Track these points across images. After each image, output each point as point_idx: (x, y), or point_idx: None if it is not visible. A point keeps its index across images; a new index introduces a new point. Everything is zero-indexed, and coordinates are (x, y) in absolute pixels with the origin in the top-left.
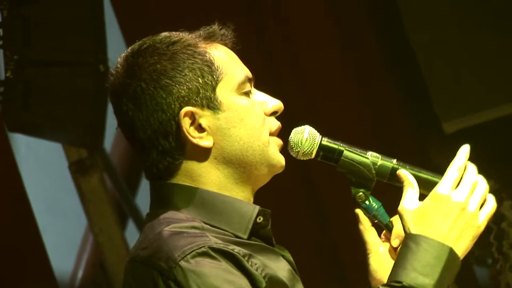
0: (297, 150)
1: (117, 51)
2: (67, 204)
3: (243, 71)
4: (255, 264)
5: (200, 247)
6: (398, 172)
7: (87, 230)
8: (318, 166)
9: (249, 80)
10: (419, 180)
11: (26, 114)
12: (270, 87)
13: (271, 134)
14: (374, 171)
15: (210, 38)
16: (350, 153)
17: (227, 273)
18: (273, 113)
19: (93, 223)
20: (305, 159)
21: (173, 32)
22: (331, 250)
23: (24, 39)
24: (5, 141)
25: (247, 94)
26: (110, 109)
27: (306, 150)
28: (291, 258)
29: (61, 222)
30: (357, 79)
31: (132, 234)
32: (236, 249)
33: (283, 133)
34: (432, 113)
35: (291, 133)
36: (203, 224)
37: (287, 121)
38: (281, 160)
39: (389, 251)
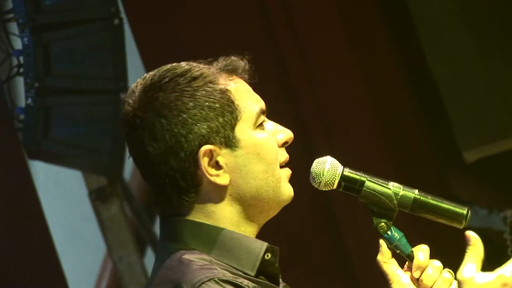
0: (318, 180)
1: (137, 79)
2: (86, 231)
3: (259, 105)
4: None
5: (209, 279)
6: (467, 233)
7: (106, 257)
8: (338, 195)
9: (263, 112)
10: (441, 210)
11: (46, 141)
12: (285, 107)
13: (280, 166)
14: (396, 202)
15: (229, 72)
16: (372, 184)
17: None
18: (284, 144)
19: (112, 251)
20: (327, 189)
21: (193, 64)
22: (350, 280)
23: (45, 67)
24: (25, 169)
25: (262, 126)
26: None
27: (328, 181)
28: None
29: (80, 249)
30: (377, 107)
31: (150, 262)
32: (245, 282)
33: (299, 158)
34: (452, 143)
35: (313, 164)
36: (212, 258)
37: (304, 143)
38: (291, 193)
39: (412, 280)
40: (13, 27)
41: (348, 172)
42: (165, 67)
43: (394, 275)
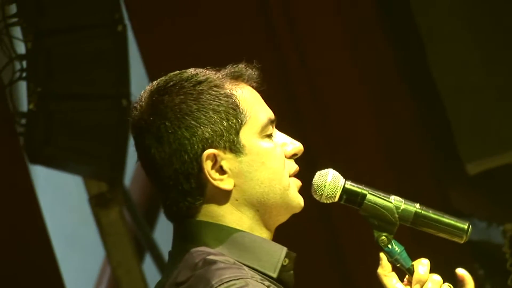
0: (320, 193)
1: (139, 85)
2: (85, 237)
3: (266, 114)
4: None
5: (238, 278)
6: (458, 272)
7: (105, 263)
8: (338, 208)
9: (272, 122)
10: (442, 225)
11: (48, 146)
12: (291, 125)
13: (290, 176)
14: (397, 215)
15: (236, 78)
16: (374, 197)
17: None
18: (293, 156)
19: (111, 257)
20: (328, 202)
21: (200, 70)
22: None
23: (47, 72)
24: (25, 173)
25: (269, 136)
26: (131, 143)
27: (329, 194)
28: None
29: (79, 254)
30: (379, 117)
31: (149, 268)
32: (272, 286)
33: (304, 171)
34: (454, 155)
35: (315, 176)
36: (234, 260)
37: (307, 156)
38: (300, 202)
39: None
40: (17, 31)
41: (350, 185)
42: (172, 73)
43: None
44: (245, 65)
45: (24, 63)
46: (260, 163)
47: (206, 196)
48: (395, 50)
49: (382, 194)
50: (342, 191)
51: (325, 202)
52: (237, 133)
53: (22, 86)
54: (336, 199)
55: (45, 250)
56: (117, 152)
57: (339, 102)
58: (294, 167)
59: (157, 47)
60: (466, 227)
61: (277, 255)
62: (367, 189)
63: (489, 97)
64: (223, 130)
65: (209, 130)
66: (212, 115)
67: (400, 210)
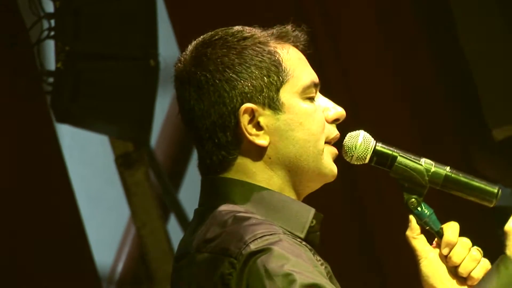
0: (351, 154)
1: (168, 47)
2: (109, 196)
3: (310, 76)
4: (319, 260)
5: (271, 233)
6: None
7: (129, 223)
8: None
9: (315, 85)
10: (472, 188)
11: (75, 105)
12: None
13: (327, 142)
14: (427, 178)
15: (282, 38)
16: (404, 159)
17: (296, 256)
18: (334, 121)
19: (136, 217)
20: (358, 163)
21: (247, 27)
22: (373, 260)
23: (75, 32)
24: (51, 132)
25: (311, 99)
26: (157, 104)
27: (360, 155)
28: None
29: (103, 214)
30: (404, 82)
31: (173, 229)
32: (303, 243)
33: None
34: (480, 120)
35: (346, 138)
36: (262, 218)
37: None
38: (333, 169)
39: (440, 256)
40: None
41: (380, 146)
42: (220, 29)
43: (422, 251)
44: (292, 26)
45: (53, 21)
46: (298, 123)
47: (240, 151)
48: (426, 24)
49: (412, 157)
50: (373, 152)
51: (355, 163)
52: (278, 90)
53: (50, 45)
54: (367, 161)
55: (70, 209)
56: (143, 112)
57: (367, 72)
58: (334, 132)
59: (186, 8)
60: (496, 191)
61: (306, 216)
62: (398, 151)
63: None
64: (263, 86)
65: (249, 84)
66: (254, 70)
67: (430, 173)
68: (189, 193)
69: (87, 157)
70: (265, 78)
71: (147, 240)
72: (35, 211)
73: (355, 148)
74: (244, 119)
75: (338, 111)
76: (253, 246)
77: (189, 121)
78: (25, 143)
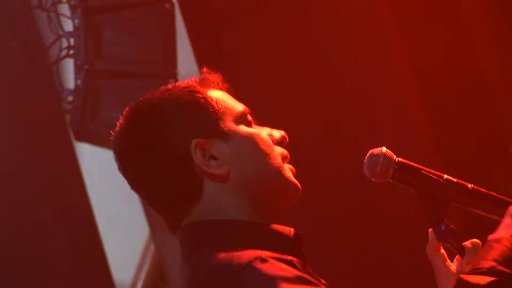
0: (373, 171)
1: (187, 65)
2: (129, 214)
3: (242, 106)
4: (309, 273)
5: (256, 258)
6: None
7: (149, 241)
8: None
9: (249, 113)
10: (495, 203)
11: (94, 124)
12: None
13: (282, 160)
14: (449, 194)
15: (205, 84)
16: (426, 175)
17: (287, 272)
18: (279, 142)
19: (155, 234)
20: (380, 180)
21: (169, 87)
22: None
23: (95, 49)
24: (71, 150)
25: (249, 124)
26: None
27: (382, 171)
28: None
29: (123, 232)
30: (424, 94)
31: None
32: (289, 257)
33: (350, 153)
34: (498, 135)
35: (368, 154)
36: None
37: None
38: (296, 184)
39: (460, 274)
40: (64, 9)
41: (402, 163)
42: (145, 95)
43: (442, 268)
44: (208, 72)
45: (72, 40)
46: (249, 144)
47: (204, 191)
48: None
49: (434, 173)
50: (395, 168)
51: (377, 180)
52: (218, 121)
53: (69, 64)
54: (389, 177)
55: (90, 227)
56: None
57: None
58: (284, 151)
59: (204, 25)
60: None
61: (285, 234)
62: (419, 167)
63: None
64: (204, 120)
65: (192, 122)
66: (190, 111)
67: (452, 189)
68: None
69: (106, 175)
70: (202, 114)
71: (166, 258)
72: (55, 229)
73: (378, 164)
74: (198, 154)
75: (282, 133)
76: (249, 268)
77: (143, 187)
78: (44, 162)
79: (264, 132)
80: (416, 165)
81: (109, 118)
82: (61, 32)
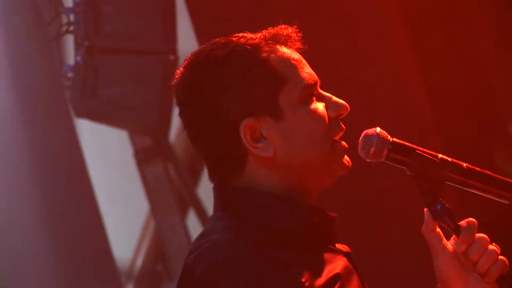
0: (367, 151)
1: (187, 41)
2: (128, 191)
3: (307, 76)
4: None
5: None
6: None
7: (149, 218)
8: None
9: (314, 84)
10: (490, 183)
11: (94, 100)
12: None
13: (335, 139)
14: (444, 174)
15: (274, 40)
16: (421, 155)
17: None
18: (337, 116)
19: (155, 212)
20: (374, 161)
21: (234, 37)
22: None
23: (95, 26)
24: (71, 127)
25: (310, 99)
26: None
27: (376, 152)
28: (350, 254)
29: (122, 209)
30: (424, 74)
31: (192, 224)
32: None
33: (350, 135)
34: (497, 115)
35: (362, 135)
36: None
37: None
38: (345, 166)
39: (457, 253)
40: None
41: (397, 143)
42: (209, 43)
43: (439, 247)
44: (284, 27)
45: (72, 16)
46: (301, 127)
47: (247, 164)
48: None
49: (429, 153)
50: (389, 149)
51: (371, 160)
52: (275, 97)
53: (69, 40)
54: (383, 158)
55: (90, 204)
56: (163, 106)
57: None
58: (338, 129)
59: (204, 2)
60: None
61: (303, 215)
62: (414, 147)
63: None
64: (260, 96)
65: (245, 98)
66: (249, 82)
67: (447, 168)
68: (208, 188)
69: (106, 152)
70: (260, 88)
71: (166, 235)
72: (54, 206)
73: (371, 145)
74: (246, 133)
75: (341, 107)
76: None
77: (193, 139)
78: (43, 138)
79: (320, 111)
80: (410, 145)
81: (109, 95)
82: (61, 8)
